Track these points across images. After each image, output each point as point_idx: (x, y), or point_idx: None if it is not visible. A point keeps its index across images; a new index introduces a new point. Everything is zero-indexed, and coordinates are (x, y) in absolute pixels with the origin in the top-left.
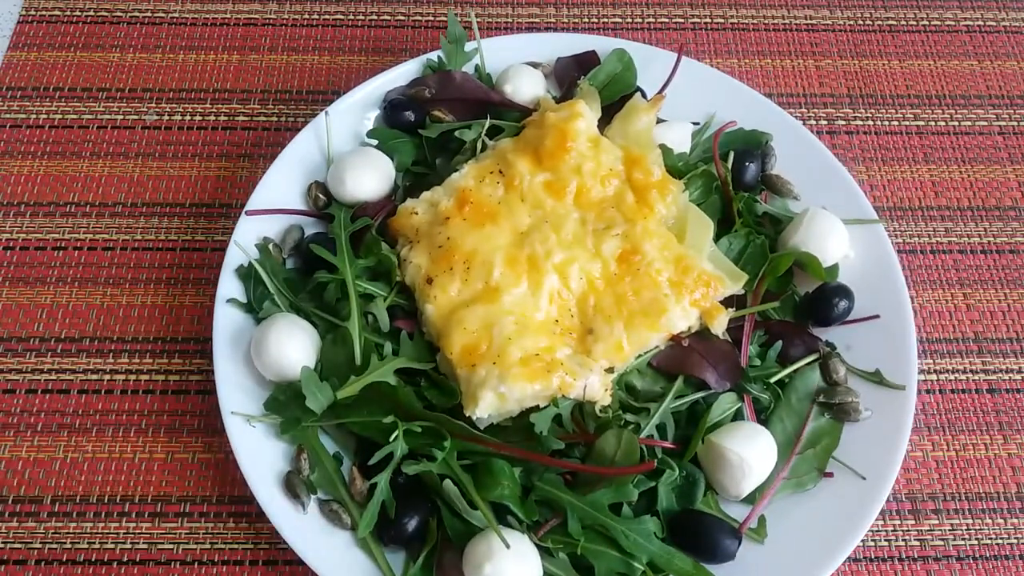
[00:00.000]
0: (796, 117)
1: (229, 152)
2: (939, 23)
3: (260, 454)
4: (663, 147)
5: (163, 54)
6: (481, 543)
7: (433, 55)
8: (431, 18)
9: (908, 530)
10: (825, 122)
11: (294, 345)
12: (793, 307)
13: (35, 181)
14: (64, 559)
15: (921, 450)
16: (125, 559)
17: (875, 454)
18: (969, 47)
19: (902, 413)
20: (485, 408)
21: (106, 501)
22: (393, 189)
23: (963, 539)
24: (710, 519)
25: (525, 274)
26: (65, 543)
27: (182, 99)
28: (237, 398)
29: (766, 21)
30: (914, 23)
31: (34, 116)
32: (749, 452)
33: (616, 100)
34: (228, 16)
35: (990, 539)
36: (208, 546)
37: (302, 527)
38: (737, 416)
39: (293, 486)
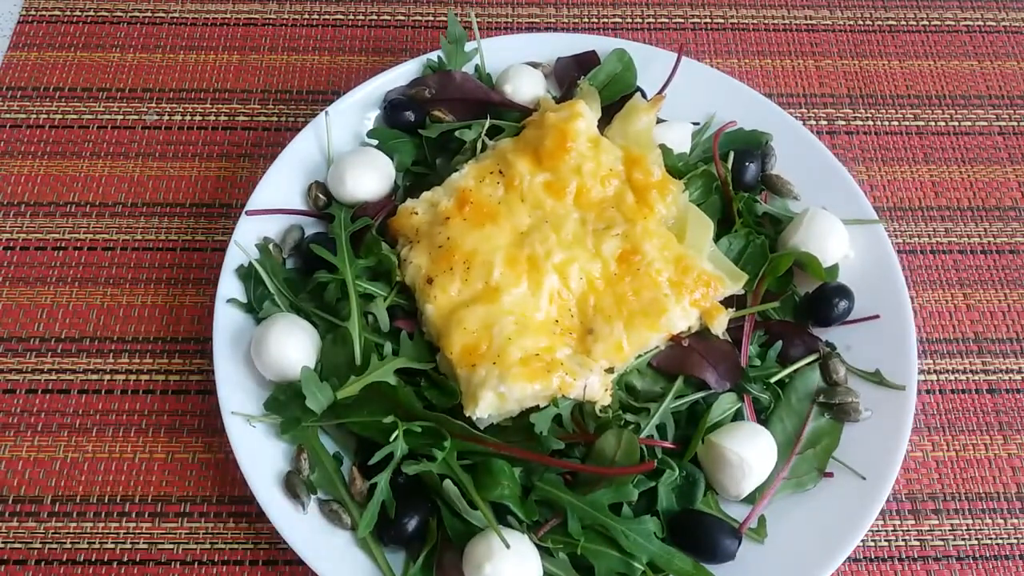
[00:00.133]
0: (796, 117)
1: (229, 152)
2: (939, 23)
3: (260, 454)
4: (663, 147)
5: (163, 54)
6: (481, 543)
7: (433, 55)
8: (431, 18)
9: (908, 530)
10: (825, 122)
11: (294, 345)
12: (793, 307)
13: (35, 181)
14: (64, 559)
15: (921, 450)
16: (125, 559)
17: (875, 454)
18: (969, 47)
19: (902, 413)
20: (485, 408)
21: (106, 501)
22: (393, 189)
23: (963, 539)
24: (710, 519)
25: (525, 274)
26: (65, 543)
27: (182, 99)
28: (237, 398)
29: (766, 21)
30: (914, 23)
31: (34, 116)
32: (749, 452)
33: (616, 100)
34: (228, 16)
35: (990, 539)
36: (208, 546)
37: (302, 527)
38: (737, 416)
39: (293, 486)
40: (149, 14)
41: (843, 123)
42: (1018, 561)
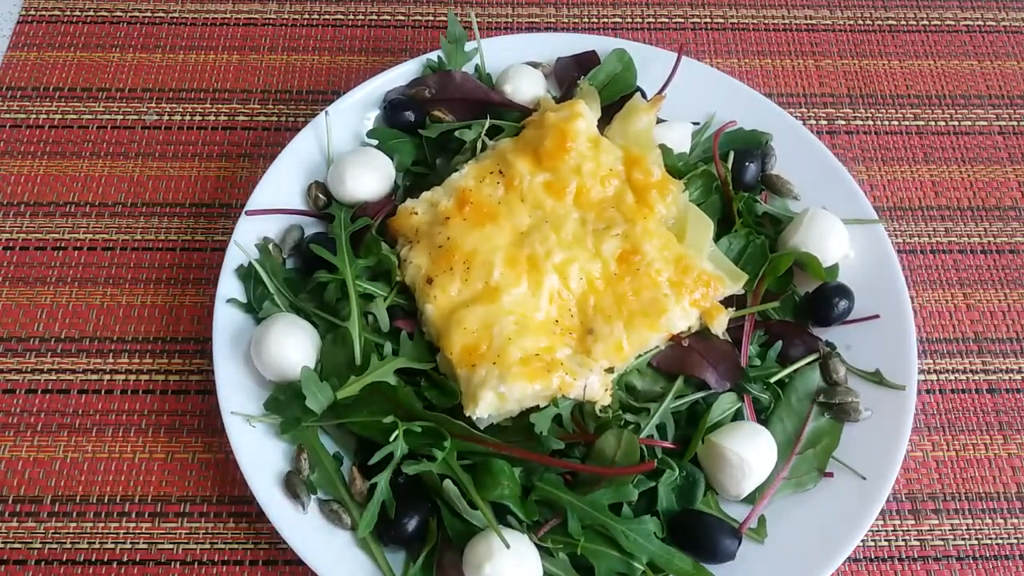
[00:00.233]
0: (796, 117)
1: (229, 152)
2: (939, 23)
3: (260, 454)
4: (663, 147)
5: (163, 54)
6: (481, 543)
7: (433, 55)
8: (431, 18)
9: (908, 530)
10: (825, 122)
11: (294, 345)
12: (793, 307)
13: (35, 181)
14: (64, 559)
15: (921, 450)
16: (125, 559)
17: (875, 454)
18: (969, 47)
19: (902, 413)
20: (485, 408)
21: (106, 501)
22: (393, 189)
23: (963, 539)
24: (710, 519)
25: (525, 274)
26: (65, 543)
27: (182, 99)
28: (237, 398)
29: (766, 21)
30: (914, 23)
31: (34, 116)
32: (749, 452)
33: (616, 100)
34: (228, 16)
35: (990, 539)
36: (208, 546)
37: (302, 527)
38: (737, 416)
39: (293, 486)
40: (149, 14)
41: (843, 123)
42: (1018, 561)
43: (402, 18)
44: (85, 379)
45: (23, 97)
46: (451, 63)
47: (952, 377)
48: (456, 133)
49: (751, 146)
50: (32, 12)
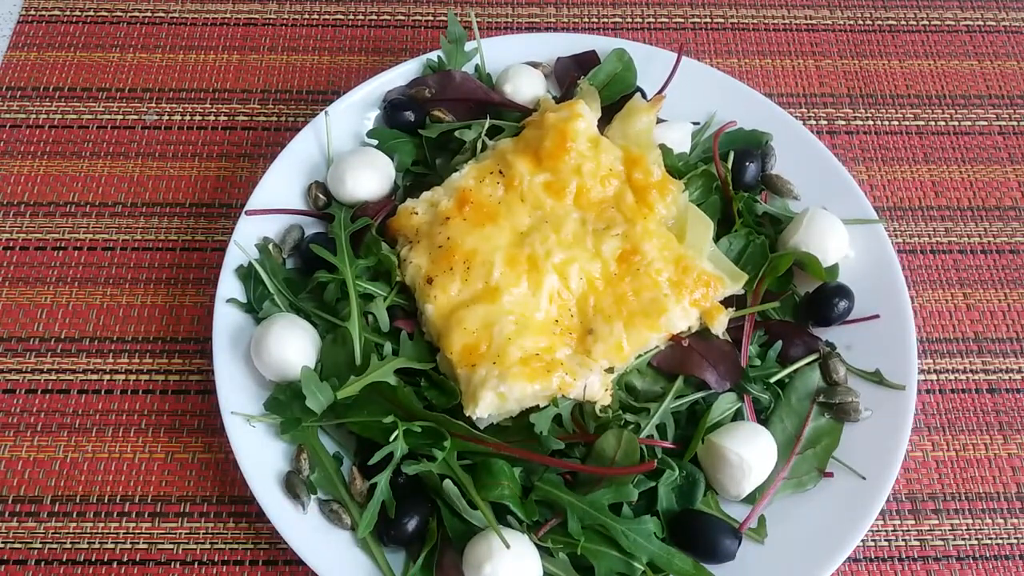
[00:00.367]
0: (796, 117)
1: (229, 152)
2: (939, 23)
3: (260, 454)
4: (663, 147)
5: (163, 54)
6: (481, 543)
7: (433, 55)
8: (431, 18)
9: (908, 530)
10: (825, 122)
11: (294, 345)
12: (793, 307)
13: (35, 181)
14: (64, 559)
15: (921, 450)
16: (125, 559)
17: (875, 454)
18: (969, 47)
19: (902, 413)
20: (485, 408)
21: (106, 501)
22: (393, 189)
23: (963, 539)
24: (710, 519)
25: (525, 274)
26: (65, 543)
27: (182, 99)
28: (237, 398)
29: (766, 21)
30: (914, 23)
31: (34, 116)
32: (749, 452)
33: (616, 100)
34: (228, 16)
35: (990, 539)
36: (208, 546)
37: (302, 527)
38: (737, 416)
39: (293, 486)
40: (149, 14)
41: (843, 123)
42: (1018, 561)
43: (402, 18)
44: (85, 379)
45: (23, 97)
46: (451, 63)
47: (952, 377)
48: (456, 133)
49: (751, 146)
50: (32, 12)
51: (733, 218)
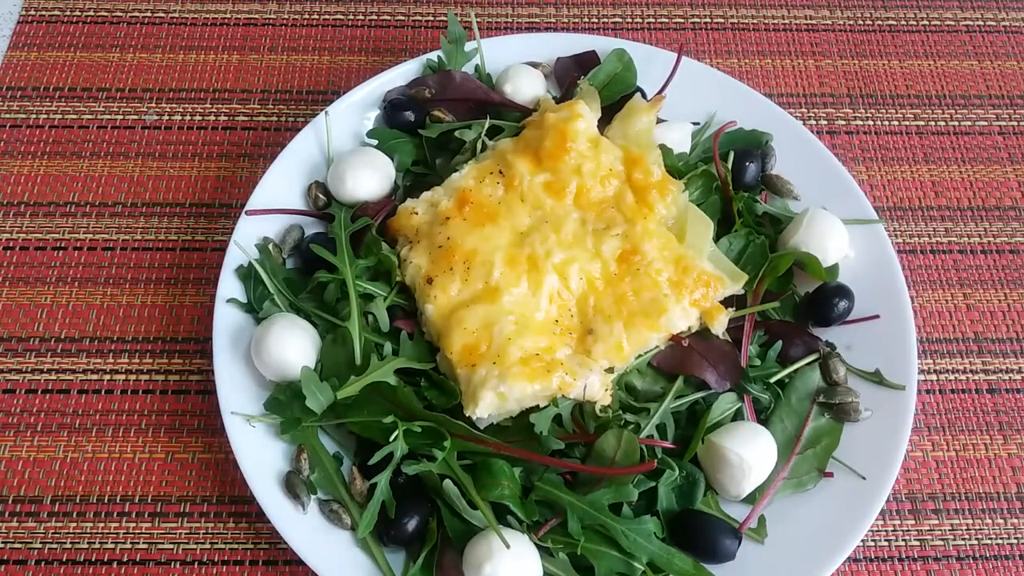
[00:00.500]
0: (796, 117)
1: (229, 152)
2: (939, 23)
3: (260, 454)
4: (663, 147)
5: (163, 54)
6: (481, 543)
7: (433, 55)
8: (431, 18)
9: (908, 530)
10: (825, 122)
11: (294, 345)
12: (793, 307)
13: (35, 181)
14: (64, 559)
15: (921, 450)
16: (125, 559)
17: (875, 454)
18: (969, 47)
19: (902, 413)
20: (485, 408)
21: (106, 501)
22: (393, 189)
23: (963, 539)
24: (710, 519)
25: (525, 274)
26: (65, 543)
27: (182, 99)
28: (237, 398)
29: (766, 21)
30: (914, 23)
31: (34, 116)
32: (749, 452)
33: (616, 100)
34: (228, 16)
35: (990, 539)
36: (208, 546)
37: (302, 527)
38: (737, 416)
39: (293, 486)
40: (149, 14)
41: (843, 123)
42: (1018, 561)
43: (402, 18)
44: (85, 379)
45: (23, 97)
46: (451, 63)
47: (952, 377)
48: (456, 133)
49: (751, 146)
50: (32, 12)
51: (733, 218)
